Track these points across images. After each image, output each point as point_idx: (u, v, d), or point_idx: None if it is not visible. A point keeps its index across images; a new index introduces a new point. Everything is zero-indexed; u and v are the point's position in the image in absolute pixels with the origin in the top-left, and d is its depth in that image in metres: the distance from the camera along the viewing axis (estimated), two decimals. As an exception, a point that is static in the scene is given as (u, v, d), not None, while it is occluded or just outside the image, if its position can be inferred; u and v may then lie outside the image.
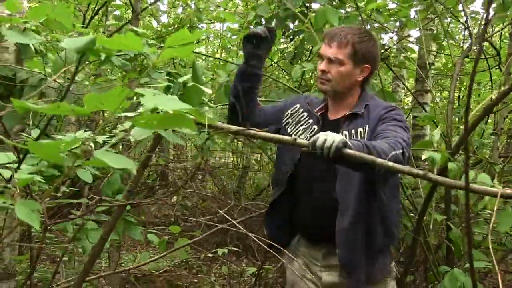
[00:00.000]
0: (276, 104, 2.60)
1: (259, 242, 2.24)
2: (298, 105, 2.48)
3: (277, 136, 1.76)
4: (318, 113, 2.40)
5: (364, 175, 2.17)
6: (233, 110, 2.43)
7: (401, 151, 1.98)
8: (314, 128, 2.36)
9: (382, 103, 2.33)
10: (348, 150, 1.74)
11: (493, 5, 4.27)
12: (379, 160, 1.64)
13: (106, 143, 1.49)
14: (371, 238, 2.28)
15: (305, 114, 2.44)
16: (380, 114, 2.23)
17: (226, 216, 2.42)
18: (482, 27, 1.98)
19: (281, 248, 2.37)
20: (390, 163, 1.62)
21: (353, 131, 2.25)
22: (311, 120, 2.40)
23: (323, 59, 2.30)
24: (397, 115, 2.23)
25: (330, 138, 1.79)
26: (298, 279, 2.42)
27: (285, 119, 2.48)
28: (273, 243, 2.44)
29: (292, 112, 2.48)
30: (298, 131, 2.40)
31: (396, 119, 2.20)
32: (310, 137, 2.31)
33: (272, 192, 2.61)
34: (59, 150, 1.37)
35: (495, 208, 1.46)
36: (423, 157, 2.72)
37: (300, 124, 2.42)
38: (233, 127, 1.68)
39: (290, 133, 2.41)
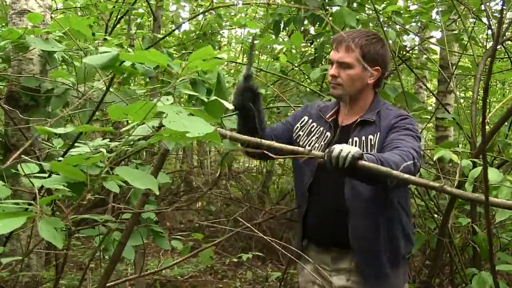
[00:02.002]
0: (285, 121, 2.57)
1: (275, 244, 2.24)
2: (306, 117, 2.47)
3: (292, 147, 1.78)
4: (330, 119, 2.39)
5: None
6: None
7: (412, 161, 1.98)
8: (327, 135, 2.34)
9: (394, 111, 2.31)
10: (364, 162, 1.76)
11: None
12: (395, 172, 1.67)
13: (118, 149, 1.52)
14: (393, 245, 2.28)
15: (315, 124, 2.42)
16: (392, 123, 2.22)
17: (243, 220, 2.42)
18: (496, 28, 1.94)
19: (301, 253, 2.37)
20: (406, 175, 1.65)
21: (363, 138, 2.24)
22: (321, 128, 2.39)
23: (332, 65, 2.30)
24: (409, 124, 2.21)
25: (346, 149, 1.79)
26: (309, 285, 2.43)
27: (296, 133, 2.46)
28: (290, 247, 2.44)
29: (301, 125, 2.46)
30: (311, 141, 2.38)
31: (408, 128, 2.19)
32: (324, 144, 2.31)
33: (296, 204, 2.58)
34: (81, 164, 1.40)
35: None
36: (435, 157, 2.71)
37: (312, 134, 2.40)
38: (252, 139, 1.70)
39: (303, 145, 2.38)
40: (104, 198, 4.86)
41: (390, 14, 4.03)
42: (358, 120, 2.29)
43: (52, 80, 2.92)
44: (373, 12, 3.76)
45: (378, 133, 2.22)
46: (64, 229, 1.42)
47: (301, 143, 2.41)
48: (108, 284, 2.19)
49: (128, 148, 1.52)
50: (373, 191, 2.19)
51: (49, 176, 1.77)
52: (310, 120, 2.45)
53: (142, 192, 2.51)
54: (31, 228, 2.51)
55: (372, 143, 2.21)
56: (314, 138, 2.38)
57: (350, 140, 2.25)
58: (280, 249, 2.42)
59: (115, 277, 4.49)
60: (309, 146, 2.37)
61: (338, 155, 1.79)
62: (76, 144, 1.91)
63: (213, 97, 1.59)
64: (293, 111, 5.31)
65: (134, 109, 1.24)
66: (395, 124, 2.21)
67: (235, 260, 5.74)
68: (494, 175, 2.44)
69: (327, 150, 1.83)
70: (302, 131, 2.44)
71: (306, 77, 5.02)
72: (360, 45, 2.25)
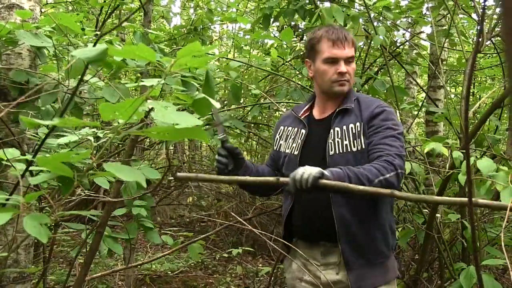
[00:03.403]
0: (271, 151, 2.63)
1: (265, 238, 2.25)
2: (281, 127, 2.53)
3: (263, 178, 1.87)
4: (303, 117, 2.44)
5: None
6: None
7: (394, 172, 2.04)
8: (303, 133, 2.39)
9: (372, 101, 2.33)
10: (324, 181, 1.85)
11: None
12: (352, 186, 1.76)
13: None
14: (380, 234, 2.28)
15: (290, 128, 2.48)
16: (374, 113, 2.24)
17: (234, 215, 2.43)
18: (479, 25, 1.95)
19: (290, 245, 2.38)
20: (361, 187, 1.76)
21: (344, 127, 2.26)
22: (296, 128, 2.43)
23: (335, 62, 2.30)
24: (390, 121, 2.22)
25: (307, 171, 1.88)
26: (296, 282, 2.43)
27: (277, 145, 2.51)
28: (283, 241, 2.45)
29: (280, 135, 2.52)
30: (289, 144, 2.43)
31: (389, 127, 2.20)
32: (301, 141, 2.36)
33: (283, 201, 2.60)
34: (67, 161, 1.39)
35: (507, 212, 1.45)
36: (426, 150, 2.72)
37: (288, 137, 2.45)
38: (227, 178, 1.85)
39: (284, 151, 2.44)
40: (90, 195, 4.84)
41: (380, 9, 4.04)
42: (337, 110, 2.33)
43: (42, 74, 2.90)
44: (364, 8, 3.76)
45: (362, 123, 2.24)
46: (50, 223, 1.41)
47: (282, 150, 2.47)
48: (94, 276, 2.19)
49: (116, 137, 1.51)
50: None
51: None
52: (286, 127, 2.51)
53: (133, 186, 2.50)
54: (16, 222, 2.51)
55: (354, 131, 2.23)
56: (290, 140, 2.43)
57: (332, 131, 2.27)
58: (271, 243, 2.43)
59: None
60: (288, 149, 2.42)
61: (300, 178, 1.87)
62: (62, 133, 1.90)
63: (200, 95, 1.58)
64: (283, 107, 5.31)
65: (123, 107, 1.24)
66: (377, 121, 2.21)
67: (226, 255, 5.75)
68: (485, 164, 2.45)
69: (291, 175, 1.91)
70: (282, 139, 2.50)
71: (297, 72, 5.01)
72: (353, 40, 2.34)
